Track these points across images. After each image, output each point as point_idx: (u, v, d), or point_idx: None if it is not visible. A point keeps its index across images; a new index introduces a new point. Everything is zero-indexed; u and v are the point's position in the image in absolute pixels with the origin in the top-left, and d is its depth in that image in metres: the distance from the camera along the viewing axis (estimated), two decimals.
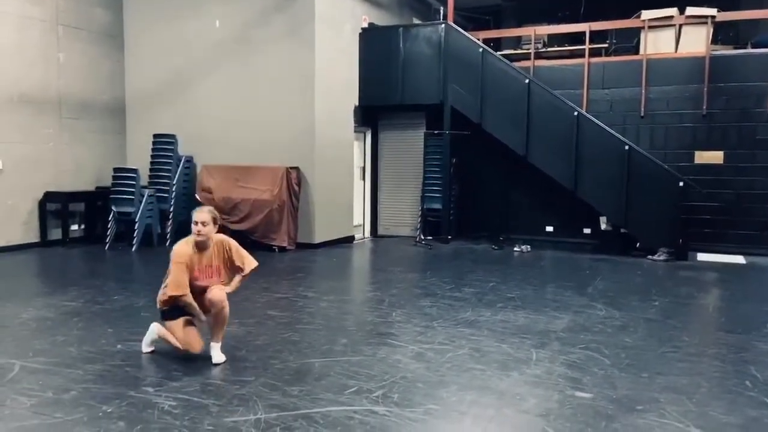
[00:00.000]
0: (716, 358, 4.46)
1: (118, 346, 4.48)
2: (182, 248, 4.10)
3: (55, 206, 9.38)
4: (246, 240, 9.18)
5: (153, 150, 9.75)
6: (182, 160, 9.79)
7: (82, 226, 9.84)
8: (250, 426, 3.16)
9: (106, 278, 7.27)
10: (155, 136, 9.79)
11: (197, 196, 9.58)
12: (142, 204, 9.11)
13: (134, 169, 9.21)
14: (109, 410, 3.34)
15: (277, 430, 3.12)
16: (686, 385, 3.84)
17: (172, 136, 9.71)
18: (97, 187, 10.02)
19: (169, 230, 9.56)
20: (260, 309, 5.71)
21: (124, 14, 10.57)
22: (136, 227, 9.03)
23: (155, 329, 4.34)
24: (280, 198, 9.10)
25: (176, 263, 4.05)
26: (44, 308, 5.59)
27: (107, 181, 9.58)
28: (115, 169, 9.32)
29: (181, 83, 10.25)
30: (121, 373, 3.92)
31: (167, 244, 9.48)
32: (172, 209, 9.59)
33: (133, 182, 9.10)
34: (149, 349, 4.36)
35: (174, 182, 9.62)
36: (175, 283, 4.05)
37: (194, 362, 4.15)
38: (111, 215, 9.17)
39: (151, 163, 9.72)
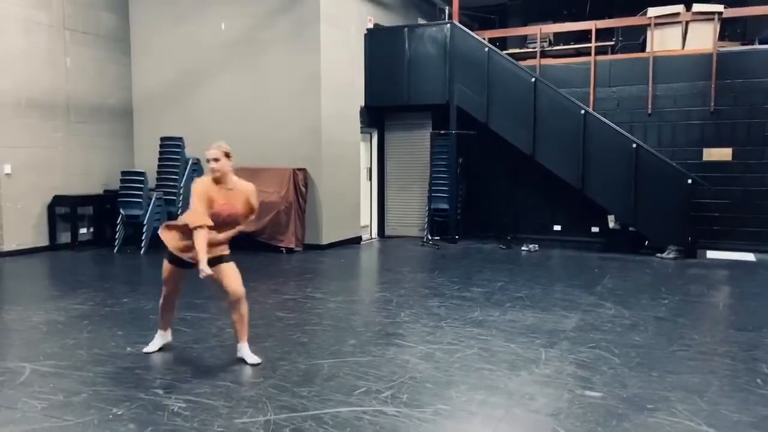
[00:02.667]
0: (727, 356, 4.43)
1: (128, 349, 4.50)
2: (201, 181, 4.10)
3: (63, 210, 9.44)
4: (253, 241, 9.23)
5: (160, 153, 9.79)
6: (189, 163, 9.81)
7: (91, 230, 9.90)
8: (260, 427, 3.16)
9: (115, 281, 7.30)
10: (162, 138, 9.83)
11: None
12: (150, 207, 9.15)
13: (142, 172, 9.25)
14: (119, 413, 3.35)
15: (287, 431, 3.13)
16: (697, 383, 3.81)
17: (180, 139, 9.74)
18: (106, 191, 10.07)
19: None
20: (269, 310, 5.72)
21: (130, 18, 10.62)
22: (144, 230, 9.07)
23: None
24: (287, 199, 9.12)
25: (196, 193, 3.99)
26: (54, 311, 5.62)
27: (115, 185, 9.63)
28: (123, 173, 9.36)
29: (187, 86, 10.29)
30: (130, 376, 3.94)
31: None
32: (180, 212, 9.61)
33: (141, 185, 9.14)
34: (158, 343, 4.49)
35: (181, 185, 9.65)
36: (195, 214, 3.96)
37: (204, 364, 4.16)
38: (119, 218, 9.21)
39: (159, 166, 9.76)
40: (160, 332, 4.51)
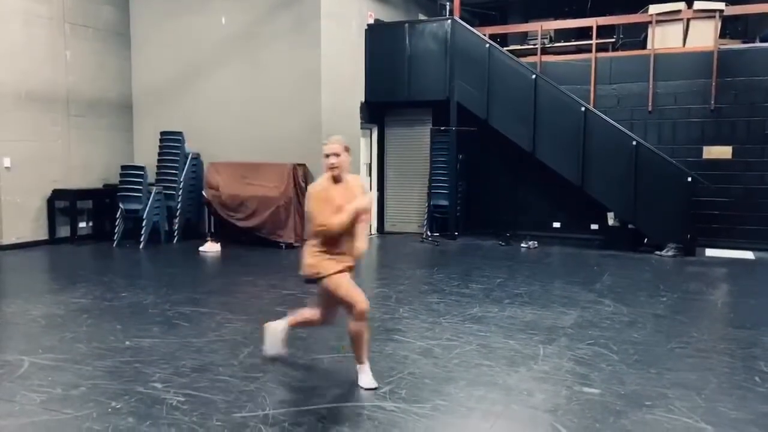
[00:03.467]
0: (725, 354, 4.44)
1: (127, 343, 4.50)
2: (315, 186, 3.67)
3: (63, 204, 9.43)
4: (253, 237, 9.23)
5: (160, 147, 9.78)
6: (189, 157, 9.81)
7: (90, 224, 9.89)
8: (258, 422, 3.17)
9: (114, 275, 7.30)
10: (162, 133, 9.82)
11: (204, 194, 9.61)
12: (150, 201, 9.14)
13: (141, 167, 9.24)
14: (118, 406, 3.36)
15: (285, 425, 3.13)
16: (695, 380, 3.82)
17: (179, 134, 9.74)
18: (105, 185, 10.06)
19: (176, 227, 9.59)
20: (268, 305, 5.72)
21: (130, 11, 10.59)
22: (143, 224, 9.07)
23: (275, 326, 3.90)
24: (286, 195, 9.11)
25: (312, 200, 3.60)
26: (53, 305, 5.62)
27: (115, 179, 9.62)
28: (123, 167, 9.35)
29: (187, 80, 10.27)
30: (129, 370, 3.94)
31: (174, 241, 9.53)
32: (179, 206, 9.61)
33: (141, 179, 9.13)
34: (281, 351, 3.87)
35: (181, 179, 9.65)
36: (319, 219, 3.56)
37: (203, 358, 4.16)
38: (119, 212, 9.20)
39: (159, 160, 9.75)
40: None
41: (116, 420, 3.18)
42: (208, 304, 5.74)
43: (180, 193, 9.62)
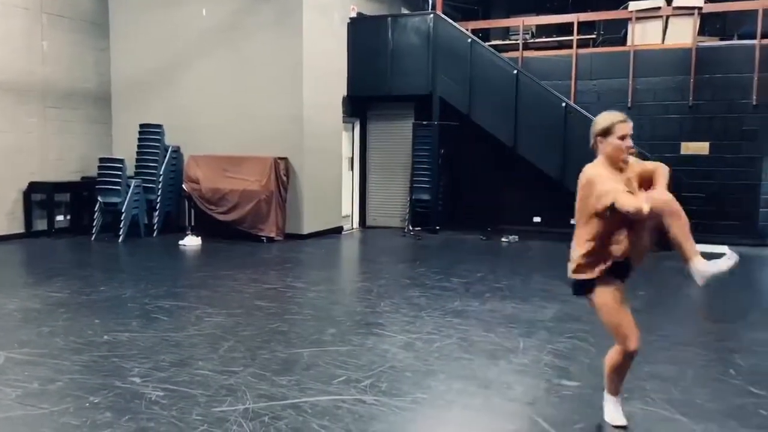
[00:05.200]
0: (701, 347, 4.51)
1: (105, 337, 4.45)
2: (594, 166, 2.99)
3: (40, 197, 9.28)
4: (234, 230, 9.17)
5: (139, 140, 9.66)
6: (169, 150, 9.71)
7: (68, 217, 9.74)
8: (239, 416, 3.16)
9: (92, 269, 7.21)
10: (142, 125, 9.70)
11: (184, 187, 9.53)
12: (129, 194, 9.03)
13: (120, 159, 9.12)
14: (96, 401, 3.32)
15: (266, 419, 3.12)
16: (672, 373, 3.88)
17: (159, 126, 9.63)
18: (83, 177, 9.92)
19: (156, 221, 9.49)
20: (248, 299, 5.69)
21: (109, 2, 10.42)
22: (122, 218, 8.96)
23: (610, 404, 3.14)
24: (268, 188, 9.06)
25: (599, 177, 2.88)
26: (30, 299, 5.54)
27: (93, 171, 9.48)
28: (101, 159, 9.22)
29: (167, 72, 10.15)
30: (107, 364, 3.90)
31: (154, 234, 9.44)
32: (159, 200, 9.52)
33: (120, 172, 9.01)
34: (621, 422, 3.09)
35: (161, 172, 9.54)
36: (609, 193, 2.75)
37: (182, 353, 4.13)
38: (97, 206, 9.08)
39: (138, 153, 9.63)
40: (609, 397, 3.16)
41: (94, 415, 3.15)
42: (188, 298, 5.70)
43: (159, 186, 9.52)
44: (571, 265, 3.02)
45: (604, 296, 2.92)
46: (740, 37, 9.66)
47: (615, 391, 3.13)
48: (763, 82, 9.17)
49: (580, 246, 2.97)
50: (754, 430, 2.82)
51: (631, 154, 2.90)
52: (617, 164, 2.91)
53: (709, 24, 10.17)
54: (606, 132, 2.94)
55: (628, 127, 2.88)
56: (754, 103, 9.26)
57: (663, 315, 5.35)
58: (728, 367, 4.01)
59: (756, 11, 9.17)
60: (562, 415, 3.24)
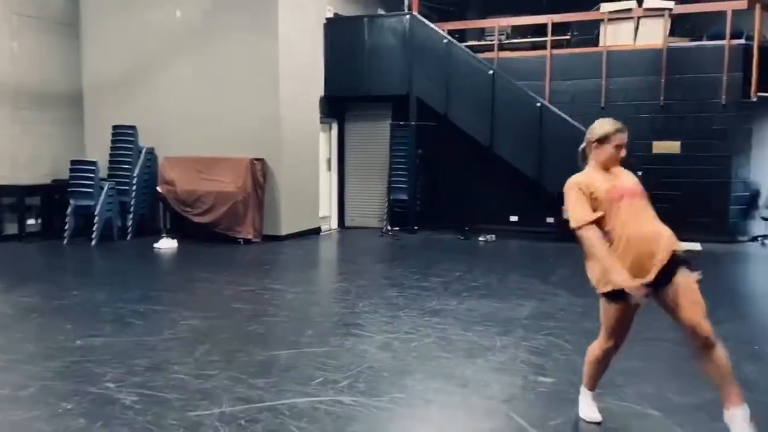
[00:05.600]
0: (672, 342, 4.58)
1: (78, 342, 4.38)
2: (574, 178, 3.06)
3: (10, 200, 9.10)
4: (210, 232, 9.09)
5: (112, 142, 9.53)
6: (143, 152, 9.59)
7: (39, 221, 9.56)
8: (215, 419, 3.13)
9: (64, 273, 7.10)
10: (115, 127, 9.56)
11: (159, 189, 9.42)
12: (102, 197, 8.90)
13: (93, 162, 8.99)
14: (69, 407, 3.27)
15: (242, 422, 3.10)
16: (644, 368, 3.94)
17: (132, 128, 9.50)
18: (54, 180, 9.74)
19: (130, 224, 9.37)
20: (225, 302, 5.65)
21: (80, 2, 10.25)
22: (95, 221, 8.82)
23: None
24: (244, 190, 9.00)
25: (568, 191, 3.03)
26: (0, 304, 5.43)
27: (65, 174, 9.32)
28: (73, 161, 9.08)
29: (141, 73, 10.02)
30: (80, 370, 3.84)
31: (128, 237, 9.32)
32: (133, 202, 9.40)
33: (92, 175, 8.88)
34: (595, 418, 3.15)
35: (135, 174, 9.43)
36: (573, 216, 2.94)
37: (157, 357, 4.08)
38: (69, 209, 8.94)
39: (111, 155, 9.50)
40: (585, 391, 3.22)
41: (67, 421, 3.10)
42: (163, 301, 5.64)
43: (134, 188, 9.40)
44: None
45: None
46: (709, 38, 9.85)
47: (592, 386, 3.19)
48: (732, 81, 9.37)
49: None
50: (723, 423, 2.88)
51: (623, 160, 3.04)
52: (607, 169, 3.07)
53: (679, 25, 10.35)
54: (603, 140, 3.06)
55: (624, 138, 3.04)
56: (723, 102, 9.45)
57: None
58: None
59: (725, 12, 9.36)
60: (537, 411, 3.27)
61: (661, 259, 2.86)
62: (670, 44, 9.70)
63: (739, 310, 5.45)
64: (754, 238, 9.79)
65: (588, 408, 3.17)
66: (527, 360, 4.09)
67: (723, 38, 9.36)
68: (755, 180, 9.63)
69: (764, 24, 9.54)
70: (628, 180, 3.04)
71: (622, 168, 3.12)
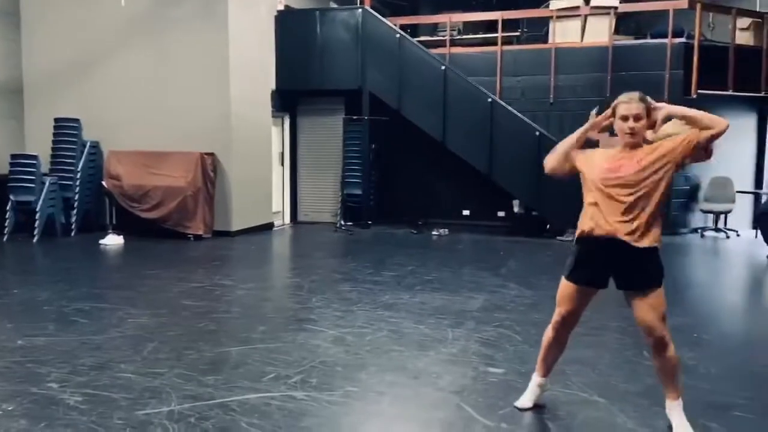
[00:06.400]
0: (617, 331, 4.74)
1: (19, 342, 4.22)
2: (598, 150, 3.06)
3: None
4: (159, 228, 8.89)
5: (54, 135, 9.18)
6: (87, 146, 9.28)
7: None
8: (163, 418, 3.07)
9: (4, 271, 6.82)
10: (57, 120, 9.22)
11: (104, 183, 9.14)
12: (44, 192, 8.58)
13: (34, 156, 8.65)
14: (9, 408, 3.15)
15: (192, 420, 3.05)
16: (590, 356, 4.06)
17: (76, 121, 9.18)
18: None
19: (74, 220, 9.07)
20: (174, 299, 5.54)
21: None
22: (37, 217, 8.50)
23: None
24: (194, 185, 8.83)
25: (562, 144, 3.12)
26: None
27: (4, 169, 8.92)
28: (13, 156, 8.70)
29: (85, 64, 9.67)
30: (22, 370, 3.70)
31: (72, 234, 9.02)
32: (76, 197, 9.09)
33: (33, 169, 8.54)
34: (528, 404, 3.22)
35: (78, 169, 9.12)
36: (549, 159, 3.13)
37: (103, 356, 3.97)
38: (9, 205, 8.58)
39: (53, 149, 9.15)
40: (536, 378, 3.24)
41: (8, 423, 2.98)
42: (109, 299, 5.48)
43: (77, 183, 9.09)
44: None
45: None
46: (653, 36, 10.18)
47: (542, 371, 3.23)
48: (674, 79, 9.70)
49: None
50: (663, 409, 3.00)
51: (632, 135, 2.81)
52: (631, 146, 2.87)
53: (624, 23, 10.66)
54: (614, 113, 2.90)
55: (628, 108, 2.79)
56: (666, 99, 9.76)
57: None
58: (641, 349, 4.22)
59: (667, 11, 9.68)
60: (487, 401, 3.33)
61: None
62: (616, 42, 9.98)
63: (680, 299, 5.66)
64: (694, 230, 10.20)
65: (525, 394, 3.24)
66: (478, 351, 4.16)
67: (665, 36, 9.68)
68: (695, 174, 10.01)
69: (704, 23, 9.93)
70: (632, 166, 2.86)
71: (652, 146, 2.84)
